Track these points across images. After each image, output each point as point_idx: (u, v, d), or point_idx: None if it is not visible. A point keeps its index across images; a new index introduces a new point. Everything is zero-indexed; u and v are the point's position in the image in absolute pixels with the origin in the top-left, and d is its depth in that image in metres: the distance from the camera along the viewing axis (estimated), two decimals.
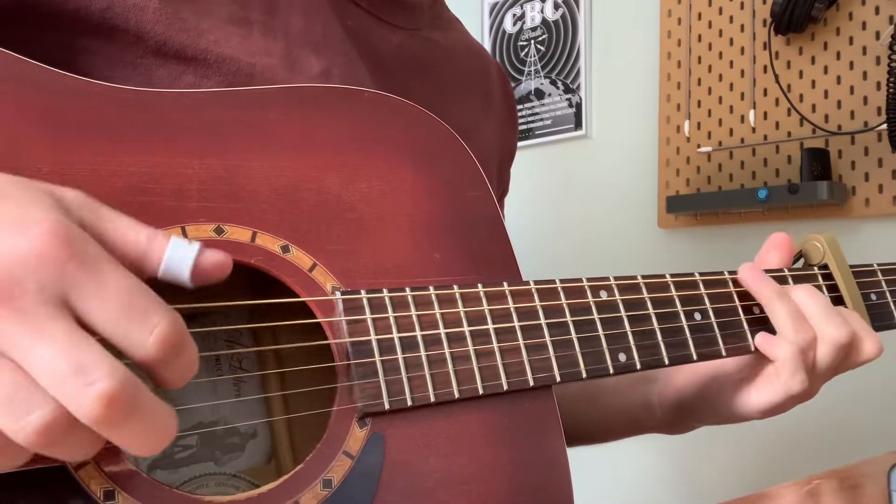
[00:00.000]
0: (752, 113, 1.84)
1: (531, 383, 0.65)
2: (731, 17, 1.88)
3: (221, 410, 0.68)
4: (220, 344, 0.69)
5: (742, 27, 1.87)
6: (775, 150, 1.80)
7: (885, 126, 1.59)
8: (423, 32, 0.93)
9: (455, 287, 0.64)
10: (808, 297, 0.79)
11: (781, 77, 1.78)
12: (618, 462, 2.11)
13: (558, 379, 0.66)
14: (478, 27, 2.37)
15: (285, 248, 0.59)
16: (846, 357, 0.80)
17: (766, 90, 1.82)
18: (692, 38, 1.95)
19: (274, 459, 0.70)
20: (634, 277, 0.74)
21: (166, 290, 0.56)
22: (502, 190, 1.08)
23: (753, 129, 1.84)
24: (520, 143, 2.22)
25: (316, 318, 0.59)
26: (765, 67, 1.82)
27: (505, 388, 0.63)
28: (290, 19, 0.74)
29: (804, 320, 0.78)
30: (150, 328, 0.42)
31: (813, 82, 1.76)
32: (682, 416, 0.90)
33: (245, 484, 0.68)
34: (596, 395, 1.00)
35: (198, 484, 0.66)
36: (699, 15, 1.94)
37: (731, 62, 1.88)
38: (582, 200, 2.19)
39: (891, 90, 1.54)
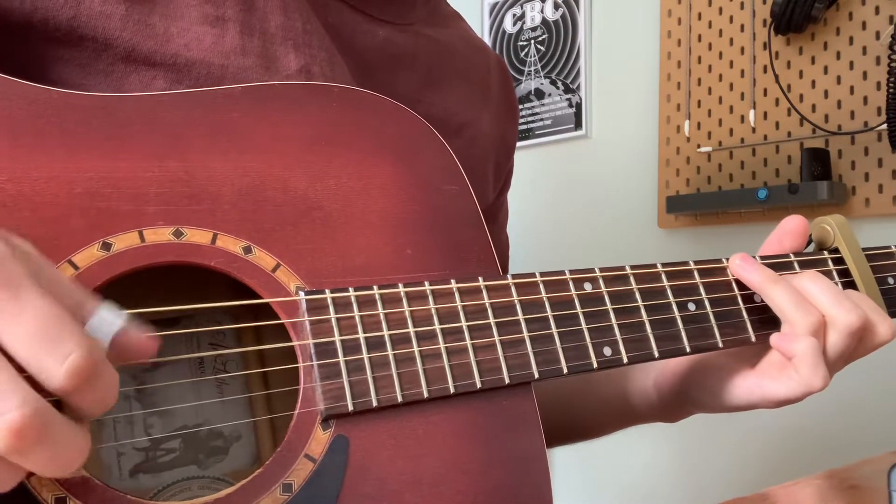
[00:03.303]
0: (752, 113, 1.83)
1: (507, 381, 0.63)
2: (731, 17, 1.88)
3: (205, 413, 0.68)
4: (205, 346, 0.68)
5: (742, 27, 1.86)
6: (775, 150, 1.80)
7: (885, 126, 1.58)
8: (416, 27, 0.92)
9: (426, 283, 0.63)
10: (814, 283, 0.75)
11: (781, 77, 1.78)
12: (619, 462, 2.11)
13: (536, 376, 0.64)
14: (478, 27, 2.37)
15: (247, 249, 0.58)
16: (859, 343, 0.76)
17: (766, 90, 1.82)
18: (692, 38, 1.94)
19: (258, 462, 0.69)
20: (622, 268, 0.71)
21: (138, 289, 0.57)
22: (502, 184, 1.07)
23: (753, 129, 1.83)
24: (520, 143, 2.23)
25: (279, 319, 0.58)
26: (765, 67, 1.81)
27: (479, 386, 0.61)
28: (268, 16, 0.73)
29: (809, 304, 0.74)
30: (61, 357, 0.42)
31: (813, 82, 1.75)
32: (681, 402, 0.87)
33: (229, 487, 0.67)
34: (589, 386, 0.98)
35: (181, 488, 0.66)
36: (699, 15, 1.93)
37: (731, 62, 1.88)
38: (582, 200, 2.18)
39: (891, 90, 1.54)
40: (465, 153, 0.71)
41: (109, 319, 0.46)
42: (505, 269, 1.08)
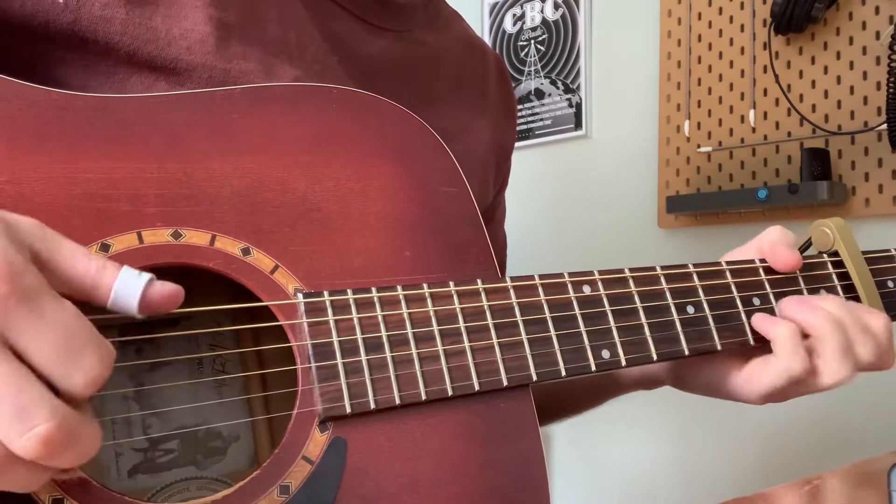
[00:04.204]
0: (752, 113, 1.83)
1: (505, 383, 0.63)
2: (731, 17, 1.87)
3: (203, 414, 0.68)
4: (204, 347, 0.68)
5: (742, 27, 1.86)
6: (775, 150, 1.80)
7: (885, 126, 1.58)
8: (414, 34, 0.92)
9: (425, 285, 0.63)
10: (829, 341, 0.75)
11: (781, 77, 1.77)
12: (620, 462, 2.11)
13: (535, 378, 0.64)
14: (478, 27, 2.37)
15: (246, 251, 0.58)
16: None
17: (766, 90, 1.81)
18: (692, 38, 1.94)
19: (256, 463, 0.69)
20: (621, 271, 0.72)
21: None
22: (501, 184, 1.08)
23: (753, 129, 1.83)
24: (520, 143, 2.24)
25: (278, 321, 0.58)
26: (765, 67, 1.81)
27: (476, 388, 0.61)
28: (266, 26, 0.73)
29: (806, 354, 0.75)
30: (85, 369, 0.44)
31: (813, 82, 1.75)
32: (668, 380, 0.87)
33: (226, 488, 0.67)
34: None
35: (179, 488, 0.66)
36: (699, 15, 1.93)
37: (731, 62, 1.87)
38: (582, 200, 2.18)
39: (891, 90, 1.53)
40: (463, 159, 0.70)
41: (133, 278, 0.48)
42: (502, 266, 1.09)
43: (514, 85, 2.25)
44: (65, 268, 0.47)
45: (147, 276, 0.48)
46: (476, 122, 0.98)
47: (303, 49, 0.76)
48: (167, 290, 0.49)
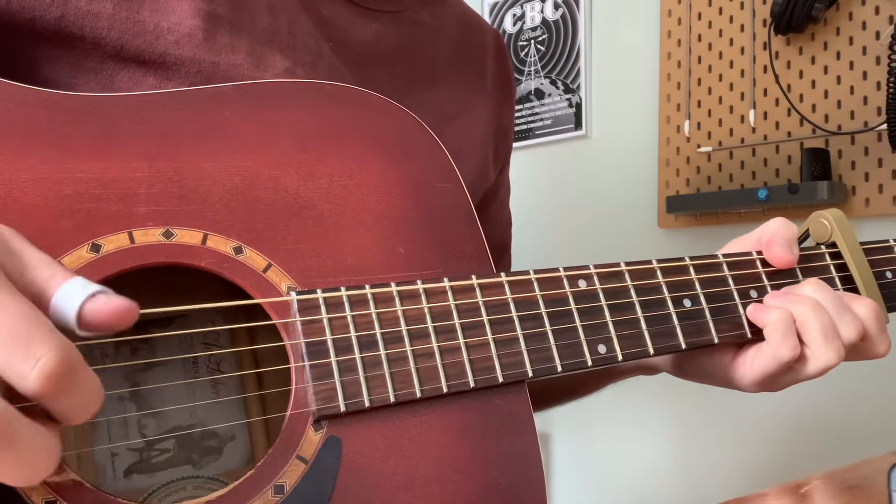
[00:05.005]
0: (752, 113, 1.83)
1: (500, 380, 0.62)
2: (731, 17, 1.87)
3: (199, 413, 0.67)
4: (199, 347, 0.68)
5: (742, 27, 1.86)
6: (775, 150, 1.79)
7: (885, 126, 1.58)
8: (409, 13, 0.91)
9: (419, 282, 0.62)
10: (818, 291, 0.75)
11: (781, 77, 1.77)
12: (619, 462, 2.11)
13: (530, 374, 0.64)
14: None
15: (238, 250, 0.58)
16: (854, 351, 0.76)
17: (766, 90, 1.81)
18: (692, 38, 1.94)
19: (253, 462, 0.69)
20: (617, 265, 0.71)
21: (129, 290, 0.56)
22: (503, 162, 1.07)
23: (753, 129, 1.83)
24: (520, 144, 2.24)
25: (271, 319, 0.58)
26: (765, 67, 1.81)
27: (472, 385, 0.61)
28: (256, 16, 0.73)
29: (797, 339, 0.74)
30: (33, 359, 0.40)
31: (813, 82, 1.74)
32: (665, 366, 0.87)
33: (223, 487, 0.67)
34: None
35: (175, 488, 0.66)
36: (699, 15, 1.93)
37: (731, 62, 1.87)
38: (582, 201, 2.18)
39: (891, 90, 1.53)
40: (462, 139, 0.69)
41: (77, 289, 0.44)
42: (507, 246, 1.08)
43: (510, 62, 2.26)
44: (26, 277, 0.44)
45: (93, 288, 0.44)
46: (475, 102, 0.97)
47: (294, 38, 0.75)
48: (111, 305, 0.44)
